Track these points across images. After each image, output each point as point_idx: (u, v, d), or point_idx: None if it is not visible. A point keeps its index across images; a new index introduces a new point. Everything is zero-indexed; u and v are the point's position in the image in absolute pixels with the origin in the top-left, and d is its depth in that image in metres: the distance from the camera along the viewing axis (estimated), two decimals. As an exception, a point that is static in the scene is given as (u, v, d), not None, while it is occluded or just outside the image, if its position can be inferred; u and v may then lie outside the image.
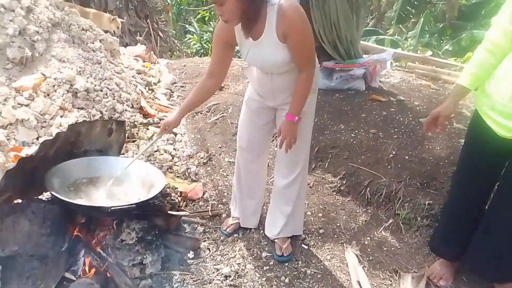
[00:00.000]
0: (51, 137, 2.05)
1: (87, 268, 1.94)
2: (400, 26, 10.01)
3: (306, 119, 2.09)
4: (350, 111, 3.70)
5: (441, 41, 7.69)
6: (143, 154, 2.99)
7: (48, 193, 2.20)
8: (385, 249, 2.45)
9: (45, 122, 2.89)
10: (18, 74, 3.01)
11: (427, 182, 2.75)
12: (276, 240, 2.35)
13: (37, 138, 2.81)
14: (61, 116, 2.99)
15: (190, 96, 2.10)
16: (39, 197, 2.24)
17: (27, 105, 2.87)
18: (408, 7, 8.61)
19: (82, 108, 3.18)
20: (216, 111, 3.85)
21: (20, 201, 2.11)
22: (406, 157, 3.00)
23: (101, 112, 3.24)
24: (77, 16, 3.83)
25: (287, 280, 2.16)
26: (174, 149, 3.24)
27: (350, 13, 4.18)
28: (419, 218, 2.58)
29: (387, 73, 4.95)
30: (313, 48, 1.88)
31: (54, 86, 3.08)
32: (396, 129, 3.38)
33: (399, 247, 2.46)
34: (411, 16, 8.95)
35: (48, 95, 3.03)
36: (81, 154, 2.36)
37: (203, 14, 11.52)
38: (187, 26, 11.63)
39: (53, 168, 2.11)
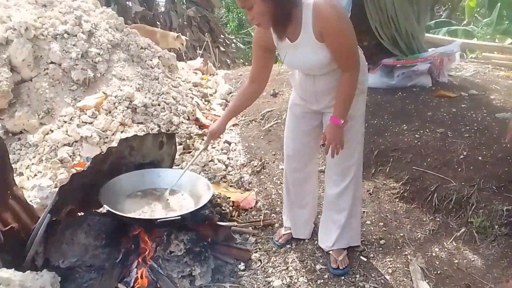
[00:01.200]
0: (102, 152, 2.13)
1: (139, 280, 1.97)
2: (476, 14, 9.20)
3: (354, 122, 1.96)
4: (414, 110, 3.43)
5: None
6: (195, 164, 3.02)
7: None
8: (456, 261, 2.18)
9: (107, 138, 3.05)
10: (82, 94, 3.23)
11: (505, 186, 2.43)
12: (331, 252, 2.21)
13: (101, 153, 2.97)
14: (122, 132, 3.13)
15: (232, 102, 2.09)
16: (99, 210, 2.35)
17: (90, 123, 3.05)
18: None
19: (141, 123, 3.31)
20: (270, 118, 3.79)
21: (81, 214, 2.23)
22: (480, 158, 2.68)
23: (158, 126, 3.35)
24: (136, 36, 4.03)
25: (343, 295, 2.01)
26: (228, 158, 3.24)
27: (408, 5, 3.90)
28: (496, 227, 2.27)
29: (458, 66, 4.54)
30: (355, 46, 1.76)
31: (114, 103, 3.25)
32: (467, 127, 3.06)
33: (472, 259, 2.18)
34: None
35: (110, 112, 3.20)
36: (134, 167, 2.44)
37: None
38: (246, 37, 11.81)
39: (108, 182, 2.20)
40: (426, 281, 2.04)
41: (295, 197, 2.30)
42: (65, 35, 3.33)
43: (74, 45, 3.32)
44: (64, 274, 1.97)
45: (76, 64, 3.26)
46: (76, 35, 3.37)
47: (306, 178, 2.26)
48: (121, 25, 3.93)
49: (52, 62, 3.23)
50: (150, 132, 3.23)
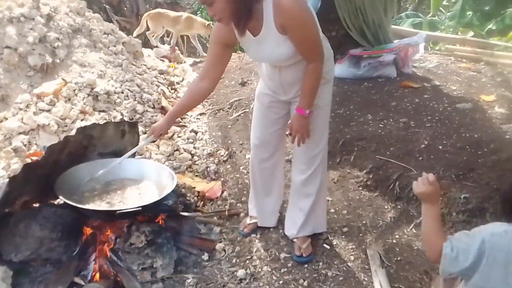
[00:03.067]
0: (59, 141, 2.04)
1: (97, 273, 1.91)
2: (440, 8, 9.41)
3: (320, 112, 1.96)
4: (379, 100, 3.48)
5: (486, 21, 7.09)
6: (160, 154, 2.95)
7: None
8: (415, 248, 2.23)
9: (66, 126, 2.93)
10: (40, 80, 3.08)
11: (464, 174, 2.50)
12: (295, 240, 2.22)
13: (58, 142, 2.85)
14: (82, 120, 3.02)
15: (181, 100, 2.02)
16: (55, 201, 2.25)
17: (48, 111, 2.92)
18: None
19: (103, 111, 3.20)
20: (238, 107, 3.75)
21: (37, 205, 2.14)
22: (440, 147, 2.76)
23: (121, 114, 3.25)
24: (98, 21, 3.88)
25: (306, 283, 2.02)
26: (194, 147, 3.19)
27: (376, -4, 3.94)
28: (454, 214, 2.34)
29: (422, 57, 4.64)
30: (318, 38, 1.74)
31: (74, 90, 3.12)
32: (429, 117, 3.13)
33: (430, 245, 2.24)
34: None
35: (69, 99, 3.08)
36: (95, 157, 2.35)
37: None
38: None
39: (65, 172, 2.11)
40: (386, 267, 2.08)
41: (262, 186, 2.29)
42: (22, 19, 3.16)
43: (31, 29, 3.15)
44: (17, 268, 1.89)
45: (34, 49, 3.10)
46: (33, 19, 3.19)
47: (273, 167, 2.24)
48: (83, 9, 3.77)
49: (7, 47, 3.06)
50: (112, 120, 3.12)
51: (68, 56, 3.33)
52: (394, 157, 2.79)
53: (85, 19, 3.70)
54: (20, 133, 2.74)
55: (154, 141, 2.14)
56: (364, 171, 2.78)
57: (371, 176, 2.73)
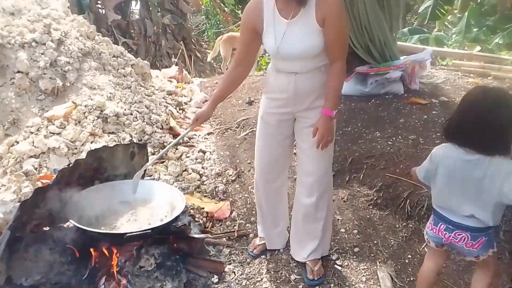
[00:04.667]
0: (70, 164, 2.06)
1: (107, 297, 1.90)
2: (446, 23, 9.46)
3: None
4: (387, 117, 3.47)
5: (491, 35, 7.11)
6: (168, 175, 2.96)
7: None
8: (428, 268, 2.19)
9: (76, 148, 2.96)
10: (50, 104, 3.13)
11: (475, 191, 2.46)
12: (307, 262, 2.19)
13: (68, 165, 2.87)
14: (92, 142, 3.05)
15: (219, 87, 2.08)
16: (65, 224, 2.26)
17: (58, 134, 2.96)
18: (440, 2, 7.90)
19: (112, 133, 3.23)
20: (245, 126, 3.77)
21: (47, 229, 2.14)
22: (450, 164, 2.72)
23: (130, 135, 3.27)
24: (108, 44, 3.95)
25: (317, 306, 1.99)
26: (202, 167, 3.19)
27: (381, 14, 3.97)
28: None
29: (429, 73, 4.63)
30: (348, 39, 1.83)
31: (84, 113, 3.17)
32: (438, 134, 3.10)
33: (444, 265, 2.19)
34: (443, 11, 8.27)
35: (79, 122, 3.12)
36: (105, 179, 2.37)
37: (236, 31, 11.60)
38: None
39: (75, 195, 2.12)
40: (398, 287, 2.04)
41: (268, 208, 2.27)
42: (33, 44, 3.23)
43: (42, 53, 3.22)
44: (27, 293, 1.88)
45: (45, 73, 3.16)
46: (44, 44, 3.27)
47: (279, 188, 2.23)
48: (93, 33, 3.85)
49: (19, 71, 3.13)
50: (122, 142, 3.15)
51: (78, 79, 3.39)
52: (404, 175, 2.75)
53: (94, 43, 3.77)
54: (31, 157, 2.77)
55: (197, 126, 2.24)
56: (374, 189, 2.76)
57: (381, 195, 2.70)
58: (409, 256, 2.30)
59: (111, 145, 2.88)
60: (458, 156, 1.54)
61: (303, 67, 1.86)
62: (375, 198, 2.72)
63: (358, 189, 2.84)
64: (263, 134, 2.12)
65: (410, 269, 2.19)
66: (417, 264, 2.23)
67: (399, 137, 3.14)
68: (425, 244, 2.35)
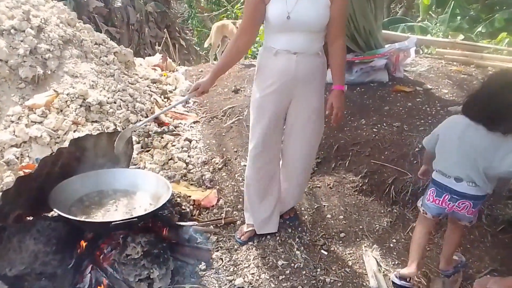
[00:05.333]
0: (51, 154, 2.02)
1: (93, 285, 1.88)
2: (430, 12, 9.54)
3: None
4: (372, 104, 3.50)
5: (474, 25, 7.19)
6: (154, 163, 2.94)
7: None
8: (412, 252, 2.23)
9: (58, 138, 2.90)
10: (31, 92, 3.05)
11: (458, 176, 2.51)
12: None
13: (51, 154, 2.82)
14: (75, 131, 2.99)
15: (222, 58, 2.12)
16: (49, 214, 2.22)
17: (40, 123, 2.89)
18: None
19: (96, 122, 3.18)
20: (231, 115, 3.75)
21: (31, 218, 2.11)
22: (434, 150, 2.77)
23: (114, 124, 3.22)
24: (89, 31, 3.86)
25: (304, 290, 2.01)
26: (188, 156, 3.17)
27: (365, 4, 3.98)
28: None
29: (413, 61, 4.68)
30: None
31: (67, 101, 3.10)
32: (422, 121, 3.15)
33: (428, 248, 2.24)
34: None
35: (61, 111, 3.05)
36: (89, 169, 2.33)
37: (222, 17, 11.48)
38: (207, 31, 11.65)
39: (58, 185, 2.09)
40: (384, 270, 2.08)
41: (264, 191, 2.25)
42: (12, 31, 3.13)
43: (21, 41, 3.12)
44: (11, 283, 1.85)
45: (24, 61, 3.07)
46: (24, 31, 3.17)
47: (275, 167, 2.25)
48: (73, 20, 3.75)
49: (-3, 59, 3.03)
50: (106, 131, 3.10)
51: (60, 67, 3.31)
52: (389, 161, 2.80)
53: (75, 30, 3.68)
54: (12, 146, 2.70)
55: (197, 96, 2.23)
56: (360, 176, 2.79)
57: (366, 181, 2.74)
58: (394, 241, 2.34)
59: (95, 133, 2.83)
60: (469, 124, 1.73)
61: (305, 44, 1.90)
62: (360, 184, 2.75)
63: (344, 175, 2.87)
64: (260, 118, 2.08)
65: (395, 253, 2.23)
66: (402, 248, 2.27)
67: (384, 124, 3.17)
68: (409, 228, 2.41)
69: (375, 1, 4.21)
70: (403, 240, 2.33)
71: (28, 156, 2.72)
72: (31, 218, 2.11)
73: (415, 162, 2.74)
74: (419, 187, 2.55)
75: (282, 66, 1.94)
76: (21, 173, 2.46)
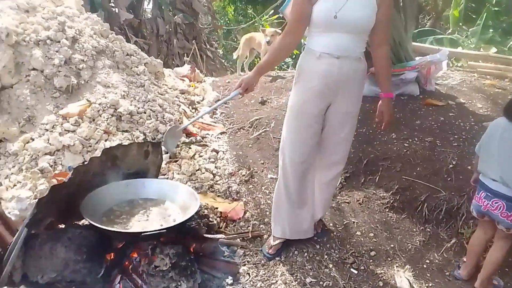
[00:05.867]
0: (84, 163, 2.05)
1: (121, 296, 1.88)
2: (460, 23, 9.35)
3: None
4: (402, 118, 3.42)
5: (507, 37, 6.99)
6: (181, 173, 2.95)
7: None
8: (447, 273, 2.15)
9: (90, 146, 2.95)
10: (65, 102, 3.13)
11: (495, 195, 2.41)
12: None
13: (83, 163, 2.87)
14: (106, 140, 3.04)
15: (267, 57, 2.08)
16: (80, 222, 2.26)
17: (73, 131, 2.95)
18: (473, 4, 7.84)
19: (126, 131, 3.23)
20: (258, 126, 3.74)
21: (62, 226, 2.14)
22: (469, 167, 2.67)
23: (144, 134, 3.27)
24: (121, 42, 3.95)
25: (333, 310, 1.96)
26: (215, 167, 3.17)
27: (396, 14, 3.91)
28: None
29: (444, 74, 4.57)
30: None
31: (99, 111, 3.16)
32: (455, 136, 3.06)
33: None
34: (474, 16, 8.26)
35: (94, 120, 3.11)
36: (119, 177, 2.35)
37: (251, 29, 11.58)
38: (234, 43, 11.78)
39: (90, 194, 2.11)
40: (418, 294, 2.00)
41: (302, 198, 2.23)
42: (48, 41, 3.24)
43: (57, 51, 3.22)
44: (43, 290, 1.88)
45: (59, 71, 3.16)
46: (59, 41, 3.27)
47: (313, 174, 2.25)
48: (106, 31, 3.85)
49: (34, 69, 3.13)
50: (136, 140, 3.15)
51: (92, 77, 3.39)
52: (421, 178, 2.72)
53: (108, 41, 3.77)
54: (46, 154, 2.77)
55: (241, 95, 2.17)
56: (390, 192, 2.72)
57: (397, 197, 2.66)
58: (427, 261, 2.25)
59: (126, 143, 2.88)
60: (509, 126, 1.82)
61: (349, 46, 1.88)
62: (391, 201, 2.68)
63: (374, 191, 2.80)
64: (301, 127, 2.07)
65: (428, 275, 2.15)
66: (436, 269, 2.19)
67: (415, 139, 3.09)
68: (443, 249, 2.32)
69: (405, 11, 4.14)
70: (437, 260, 2.24)
71: (61, 164, 2.78)
72: (62, 226, 2.14)
73: (449, 179, 2.65)
74: (453, 206, 2.46)
75: (325, 69, 1.93)
76: (55, 181, 2.51)
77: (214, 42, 9.74)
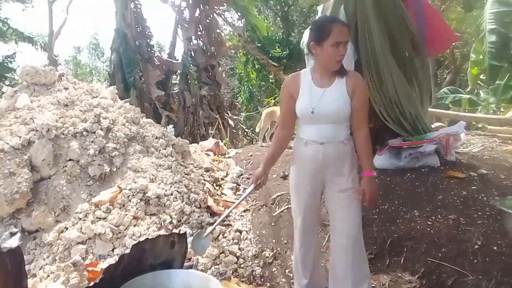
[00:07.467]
0: (114, 262, 2.17)
1: None
2: (479, 81, 9.42)
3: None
4: (424, 193, 3.42)
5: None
6: (205, 257, 3.01)
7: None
8: None
9: (119, 233, 3.10)
10: (97, 189, 3.34)
11: (525, 281, 2.35)
12: None
13: (113, 250, 3.00)
14: (134, 226, 3.18)
15: (269, 151, 2.37)
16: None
17: (104, 219, 3.12)
18: (494, 63, 7.64)
19: (153, 214, 3.37)
20: (281, 202, 3.81)
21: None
22: (495, 248, 2.63)
23: (170, 217, 3.40)
24: (150, 126, 4.24)
25: None
26: (239, 249, 3.22)
27: (410, 90, 4.07)
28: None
29: (465, 141, 4.59)
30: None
31: (128, 196, 3.34)
32: (479, 213, 3.02)
33: None
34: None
35: (123, 206, 3.29)
36: (147, 269, 2.45)
37: (268, 101, 12.02)
38: (253, 113, 12.23)
39: (119, 288, 2.20)
40: None
41: (314, 258, 2.45)
42: (84, 133, 3.53)
43: (92, 141, 3.50)
44: None
45: (93, 160, 3.41)
46: (94, 132, 3.56)
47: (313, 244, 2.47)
48: (137, 118, 4.15)
49: (70, 160, 3.39)
50: (163, 224, 3.28)
51: (124, 163, 3.62)
52: (447, 260, 2.67)
53: (139, 127, 4.06)
54: (78, 243, 2.92)
55: (256, 190, 2.42)
56: (416, 275, 2.67)
57: (424, 282, 2.62)
58: None
59: (153, 233, 3.01)
60: None
61: (330, 134, 2.17)
62: (418, 285, 2.63)
63: (400, 274, 2.76)
64: (300, 204, 2.35)
65: None
66: None
67: (439, 216, 3.07)
68: None
69: (420, 86, 4.29)
70: None
71: (92, 252, 2.91)
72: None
73: (475, 261, 2.60)
74: (482, 291, 2.40)
75: (312, 154, 2.21)
76: (86, 274, 2.62)
77: (235, 110, 10.21)
